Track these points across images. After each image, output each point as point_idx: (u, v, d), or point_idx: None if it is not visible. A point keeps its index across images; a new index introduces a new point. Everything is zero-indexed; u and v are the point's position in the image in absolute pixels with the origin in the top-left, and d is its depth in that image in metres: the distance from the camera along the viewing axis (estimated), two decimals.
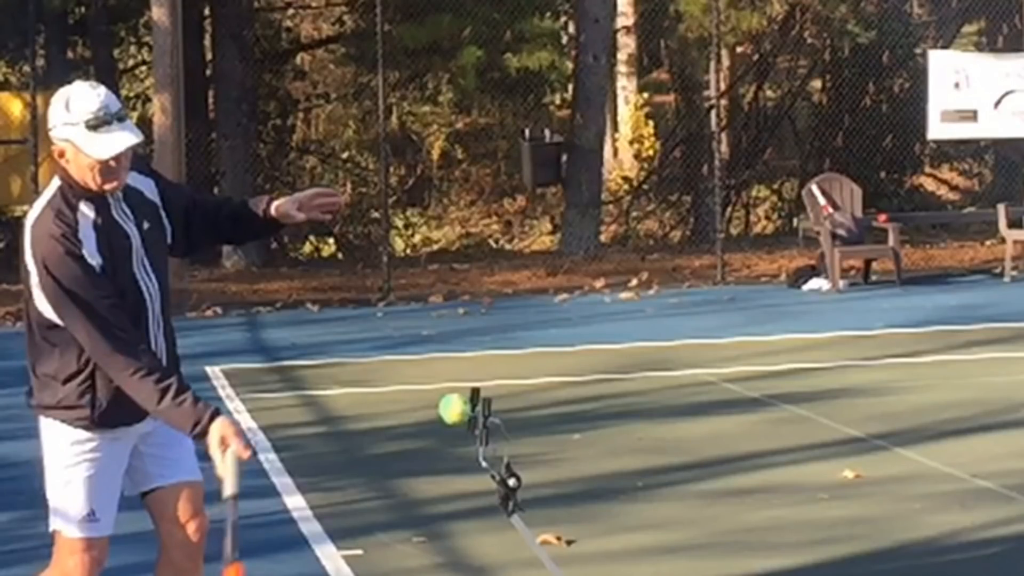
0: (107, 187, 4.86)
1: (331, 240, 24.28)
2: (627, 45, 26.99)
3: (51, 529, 5.07)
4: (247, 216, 5.19)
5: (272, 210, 5.12)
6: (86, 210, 4.86)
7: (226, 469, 4.67)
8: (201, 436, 4.74)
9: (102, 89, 4.86)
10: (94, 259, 4.81)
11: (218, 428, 4.71)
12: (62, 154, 4.85)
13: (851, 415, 10.02)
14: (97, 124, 4.78)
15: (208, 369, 12.31)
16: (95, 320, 4.76)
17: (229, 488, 4.64)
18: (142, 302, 4.92)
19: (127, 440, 5.03)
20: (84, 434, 4.95)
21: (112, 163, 4.82)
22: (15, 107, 18.55)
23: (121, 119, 4.83)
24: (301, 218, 5.14)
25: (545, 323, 15.01)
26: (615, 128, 27.09)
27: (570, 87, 22.53)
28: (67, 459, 4.98)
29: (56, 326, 4.87)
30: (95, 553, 5.04)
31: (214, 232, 5.26)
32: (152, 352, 4.87)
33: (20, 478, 8.51)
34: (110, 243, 4.86)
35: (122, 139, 4.80)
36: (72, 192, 4.86)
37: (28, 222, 4.89)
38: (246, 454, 4.71)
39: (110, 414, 4.93)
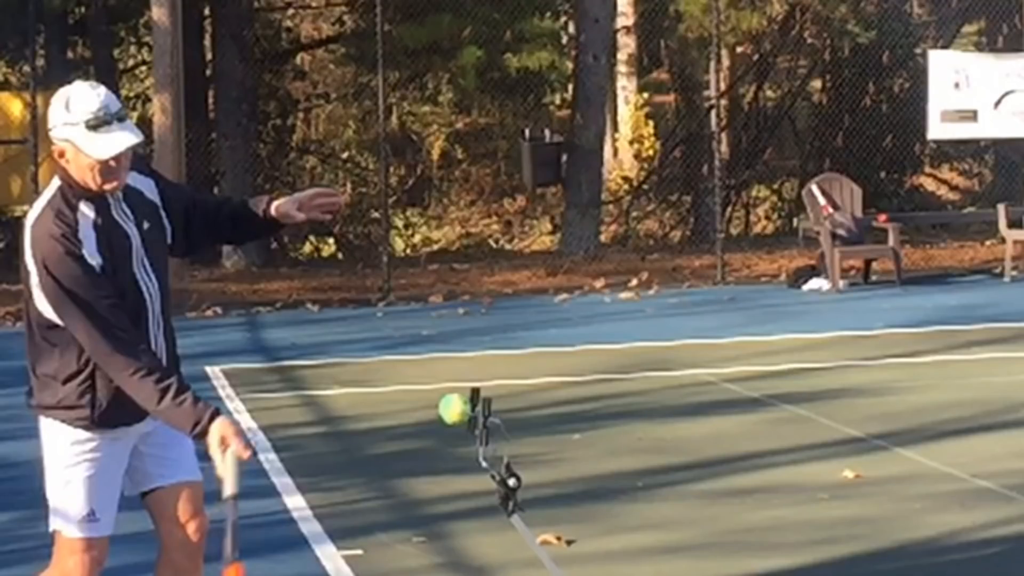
0: (107, 187, 4.86)
1: (331, 240, 24.28)
2: (627, 45, 26.99)
3: (51, 529, 5.07)
4: (247, 216, 5.19)
5: (272, 210, 5.12)
6: (86, 210, 4.86)
7: (226, 469, 4.67)
8: (201, 436, 4.74)
9: (102, 89, 4.86)
10: (94, 259, 4.81)
11: (218, 428, 4.72)
12: (62, 154, 4.85)
13: (851, 415, 10.02)
14: (97, 124, 4.78)
15: (208, 369, 12.31)
16: (95, 320, 4.77)
17: (229, 488, 4.64)
18: (142, 302, 4.92)
19: (127, 440, 5.03)
20: (84, 434, 4.95)
21: (112, 163, 4.82)
22: (15, 107, 18.56)
23: (121, 119, 4.83)
24: (301, 218, 5.14)
25: (545, 323, 15.01)
26: (615, 128, 27.09)
27: (570, 87, 22.54)
28: (67, 459, 4.97)
29: (56, 326, 4.87)
30: (95, 553, 5.03)
31: (214, 232, 5.26)
32: (152, 352, 4.87)
33: (20, 478, 8.51)
34: (110, 243, 4.86)
35: (122, 139, 4.80)
36: (72, 192, 4.86)
37: (28, 222, 4.89)
38: (246, 454, 4.71)
39: (110, 414, 4.93)
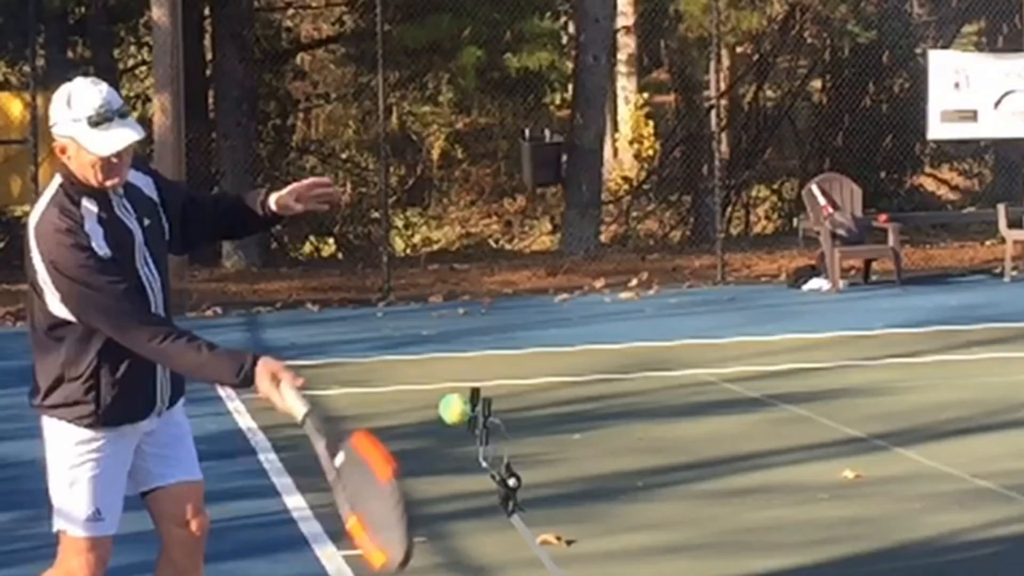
0: (109, 183, 4.86)
1: (331, 240, 24.29)
2: (627, 45, 26.99)
3: (55, 529, 5.06)
4: (245, 210, 5.20)
5: (272, 204, 5.13)
6: (89, 206, 4.87)
7: (287, 401, 4.69)
8: (247, 381, 4.72)
9: (104, 86, 4.87)
10: (102, 251, 4.82)
11: (264, 368, 4.72)
12: (64, 150, 4.86)
13: (851, 415, 10.02)
14: (99, 121, 4.78)
15: None
16: (112, 303, 4.76)
17: (300, 412, 4.65)
18: (145, 298, 4.92)
19: (131, 438, 5.03)
20: (88, 433, 4.95)
21: (114, 159, 4.83)
22: (15, 107, 18.56)
23: (123, 115, 4.84)
24: (300, 209, 5.16)
25: (545, 323, 15.01)
26: (615, 128, 27.09)
27: (570, 87, 22.54)
28: (71, 459, 4.97)
29: (61, 324, 4.87)
30: (100, 552, 5.04)
31: (212, 228, 5.27)
32: (170, 320, 4.90)
33: (21, 478, 8.52)
34: (115, 238, 4.87)
35: (124, 135, 4.81)
36: (74, 189, 4.87)
37: (32, 222, 4.88)
38: (299, 382, 4.72)
39: (114, 411, 4.93)
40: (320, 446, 4.62)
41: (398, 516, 4.38)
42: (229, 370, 4.74)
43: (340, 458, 4.57)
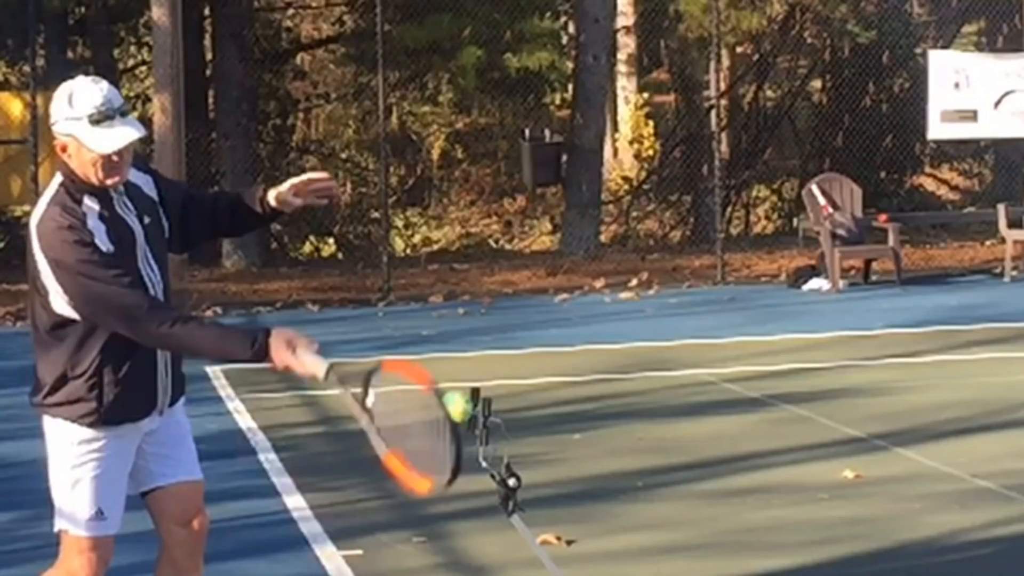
0: (109, 181, 4.87)
1: (331, 240, 24.28)
2: (627, 45, 27.00)
3: (56, 529, 5.06)
4: (244, 207, 5.21)
5: (272, 200, 5.14)
6: (91, 203, 4.87)
7: (306, 362, 4.76)
8: (261, 353, 4.74)
9: (104, 84, 4.88)
10: (105, 247, 4.82)
11: (278, 336, 4.75)
12: (64, 148, 4.86)
13: (851, 415, 10.02)
14: (100, 119, 4.79)
15: (208, 369, 12.30)
16: (119, 295, 4.77)
17: (322, 368, 4.77)
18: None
19: (133, 437, 5.03)
20: (90, 432, 4.95)
21: (115, 157, 4.83)
22: (15, 107, 18.56)
23: (124, 114, 4.85)
24: (299, 203, 5.18)
25: (545, 323, 15.01)
26: (615, 128, 27.09)
27: (570, 87, 22.55)
28: (73, 459, 4.97)
29: (63, 324, 4.87)
30: (101, 552, 5.04)
31: (211, 225, 5.27)
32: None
33: (21, 478, 8.52)
34: (117, 235, 4.87)
35: (125, 134, 4.82)
36: (75, 187, 4.88)
37: (33, 221, 4.89)
38: (314, 346, 4.79)
39: (116, 409, 4.92)
40: (347, 395, 4.64)
41: (440, 427, 4.42)
42: (242, 345, 4.76)
43: (371, 397, 4.63)
